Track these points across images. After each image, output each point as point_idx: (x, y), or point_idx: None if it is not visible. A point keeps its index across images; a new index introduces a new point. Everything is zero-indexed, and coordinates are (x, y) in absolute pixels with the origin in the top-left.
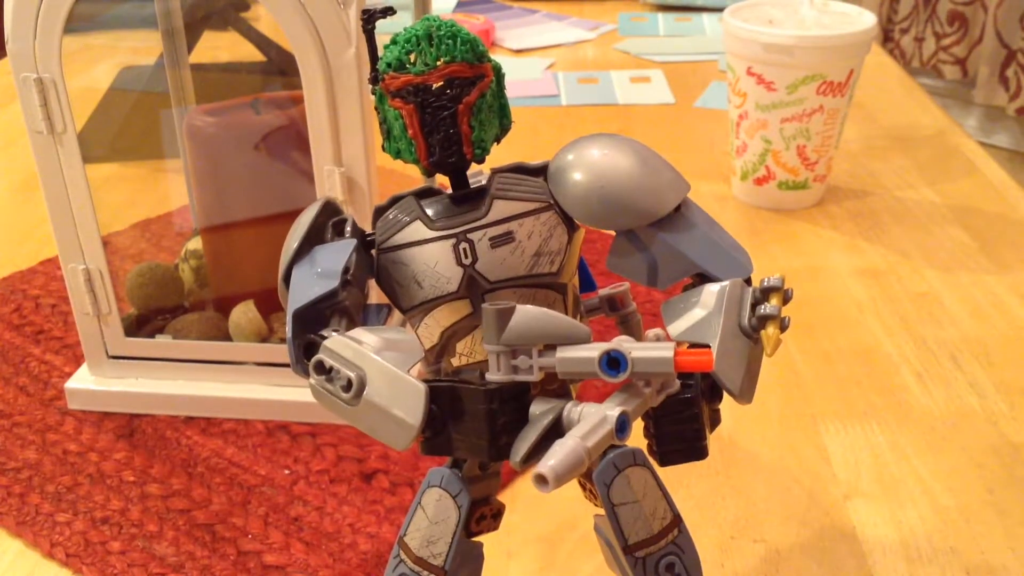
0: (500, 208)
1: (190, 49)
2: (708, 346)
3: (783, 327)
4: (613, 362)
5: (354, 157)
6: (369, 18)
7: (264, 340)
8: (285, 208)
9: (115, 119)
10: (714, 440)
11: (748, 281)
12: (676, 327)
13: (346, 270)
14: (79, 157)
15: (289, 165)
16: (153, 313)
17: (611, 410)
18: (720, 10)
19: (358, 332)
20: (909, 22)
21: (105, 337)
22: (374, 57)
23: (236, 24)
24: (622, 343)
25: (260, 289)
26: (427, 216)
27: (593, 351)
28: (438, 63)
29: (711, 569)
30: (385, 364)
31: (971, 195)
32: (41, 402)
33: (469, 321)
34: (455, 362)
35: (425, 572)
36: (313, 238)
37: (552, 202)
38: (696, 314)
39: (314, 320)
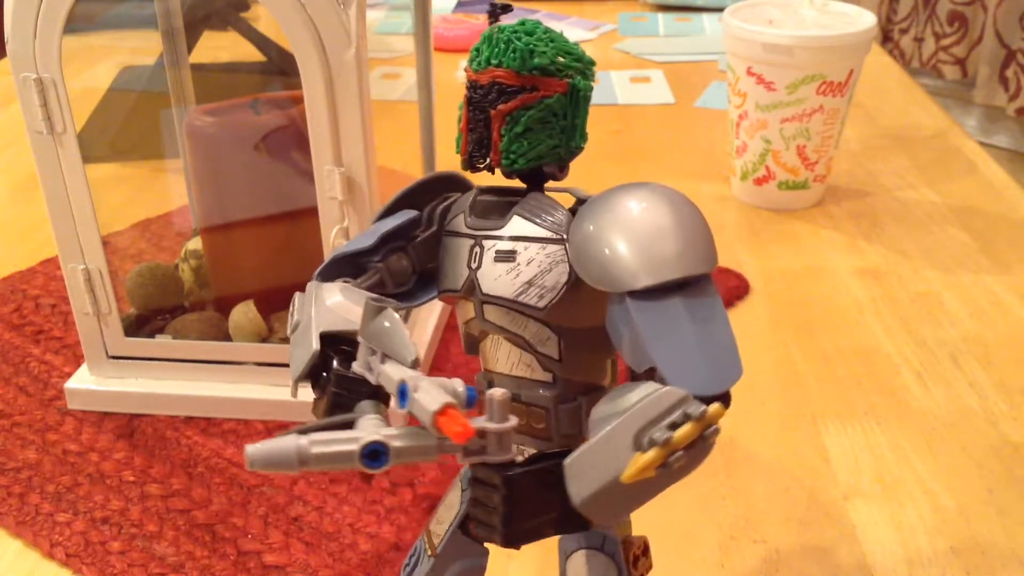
0: (516, 225)
1: (190, 49)
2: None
3: (667, 461)
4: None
5: (354, 157)
6: (492, 11)
7: (264, 340)
8: (285, 208)
9: (115, 119)
10: None
11: (708, 399)
12: (593, 415)
13: (387, 236)
14: (79, 157)
15: (289, 165)
16: (153, 313)
17: (372, 434)
18: (720, 10)
19: (335, 285)
20: (909, 22)
21: (105, 337)
22: None
23: (236, 24)
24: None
25: (260, 289)
26: (469, 212)
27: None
28: (489, 65)
29: (711, 569)
30: (312, 317)
31: (971, 195)
32: (41, 402)
33: (476, 324)
34: (481, 365)
35: (426, 544)
36: (409, 201)
37: (565, 238)
38: (607, 409)
39: (349, 268)
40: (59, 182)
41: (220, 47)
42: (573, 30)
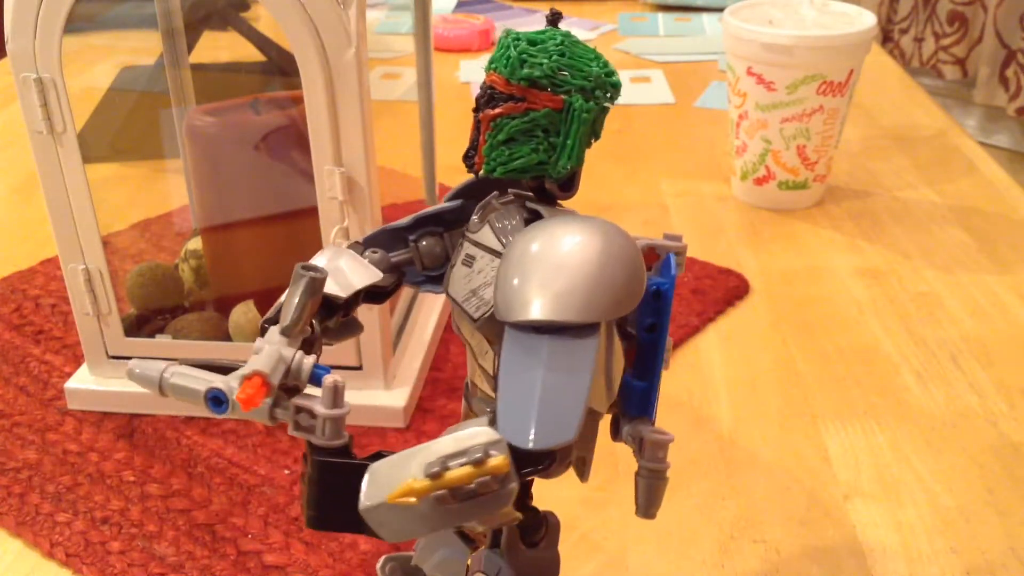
0: (484, 232)
1: (190, 49)
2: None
3: (436, 495)
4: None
5: (354, 157)
6: (553, 19)
7: None
8: (285, 208)
9: (115, 119)
10: (714, 440)
11: (521, 452)
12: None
13: (424, 218)
14: (79, 157)
15: (289, 165)
16: (153, 313)
17: (219, 381)
18: (720, 10)
19: (341, 248)
20: (909, 22)
21: (105, 337)
22: None
23: (236, 24)
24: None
25: (260, 289)
26: (476, 211)
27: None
28: (490, 67)
29: (711, 569)
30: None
31: (971, 195)
32: (41, 402)
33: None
34: None
35: None
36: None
37: None
38: (444, 435)
39: (389, 241)
40: (59, 182)
41: (220, 47)
42: (573, 30)
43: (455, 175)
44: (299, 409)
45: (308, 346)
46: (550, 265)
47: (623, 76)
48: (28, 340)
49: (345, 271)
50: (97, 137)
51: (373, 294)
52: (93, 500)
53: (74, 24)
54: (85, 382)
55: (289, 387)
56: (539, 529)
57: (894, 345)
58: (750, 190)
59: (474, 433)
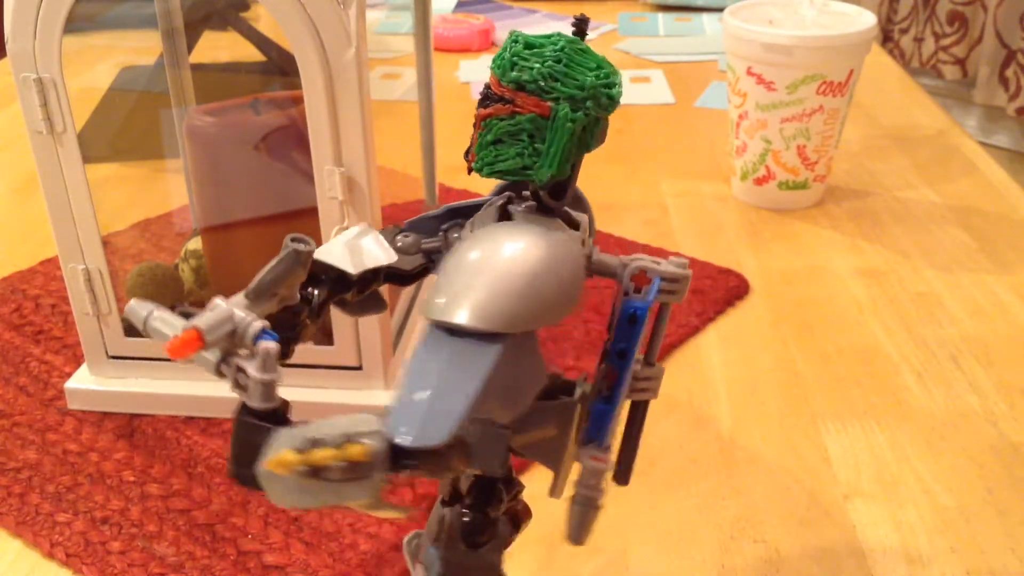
0: (465, 232)
1: (190, 49)
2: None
3: (298, 470)
4: None
5: (354, 157)
6: (578, 26)
7: None
8: (285, 208)
9: (115, 119)
10: (714, 440)
11: (392, 447)
12: None
13: (454, 210)
14: (79, 157)
15: (289, 165)
16: None
17: (182, 330)
18: (720, 10)
19: (369, 228)
20: (909, 22)
21: (105, 337)
22: None
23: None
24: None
25: None
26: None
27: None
28: (491, 67)
29: (711, 569)
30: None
31: (971, 195)
32: (41, 402)
33: None
34: None
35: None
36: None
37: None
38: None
39: (426, 227)
40: (59, 182)
41: (220, 47)
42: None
43: (455, 175)
44: (239, 368)
45: (293, 316)
46: (472, 271)
47: (623, 76)
48: (28, 340)
49: (362, 249)
50: (97, 137)
51: (397, 276)
52: (93, 500)
53: (74, 24)
54: (85, 382)
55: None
56: (484, 531)
57: (894, 345)
58: (750, 190)
59: (362, 419)
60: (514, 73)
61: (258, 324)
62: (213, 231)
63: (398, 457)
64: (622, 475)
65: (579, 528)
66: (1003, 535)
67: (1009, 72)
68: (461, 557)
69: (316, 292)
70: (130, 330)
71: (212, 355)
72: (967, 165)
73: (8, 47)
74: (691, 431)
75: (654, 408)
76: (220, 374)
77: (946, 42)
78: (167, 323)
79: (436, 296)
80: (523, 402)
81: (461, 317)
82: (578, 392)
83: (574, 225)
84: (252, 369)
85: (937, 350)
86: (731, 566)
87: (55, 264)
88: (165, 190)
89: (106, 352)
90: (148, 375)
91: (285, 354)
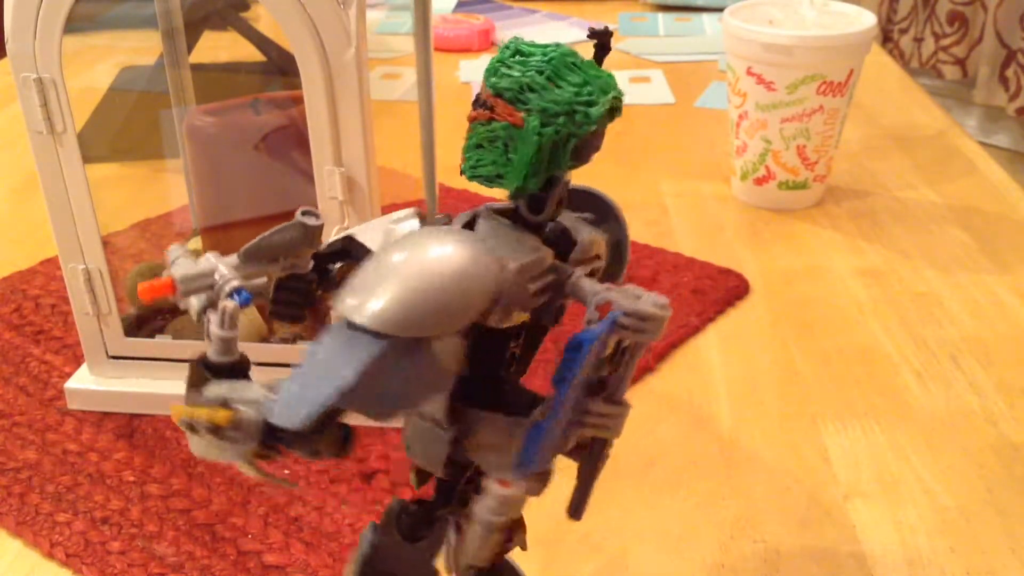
0: None
1: (190, 49)
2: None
3: (177, 416)
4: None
5: (354, 157)
6: (597, 39)
7: (264, 340)
8: (285, 208)
9: (115, 119)
10: (714, 440)
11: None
12: None
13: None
14: (79, 157)
15: (289, 165)
16: (153, 313)
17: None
18: (720, 10)
19: (407, 211)
20: (909, 22)
21: (105, 337)
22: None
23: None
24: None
25: None
26: None
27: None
28: None
29: (711, 569)
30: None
31: (971, 195)
32: (41, 402)
33: None
34: None
35: None
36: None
37: None
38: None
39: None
40: (59, 182)
41: (220, 47)
42: (573, 30)
43: (455, 175)
44: (209, 320)
45: (304, 284)
46: (371, 269)
47: (623, 76)
48: (28, 340)
49: (383, 232)
50: (97, 137)
51: None
52: (93, 500)
53: (74, 24)
54: (85, 382)
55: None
56: (426, 527)
57: (894, 345)
58: (750, 190)
59: (255, 389)
60: (494, 79)
61: (233, 284)
62: (213, 231)
63: (272, 431)
64: (572, 510)
65: (477, 551)
66: (1003, 535)
67: (1009, 72)
68: (391, 545)
69: (338, 267)
70: (130, 330)
71: (198, 302)
72: (967, 165)
73: (8, 47)
74: (691, 431)
75: (654, 408)
76: (200, 322)
77: (946, 42)
78: (180, 267)
79: (344, 288)
80: (403, 404)
81: (348, 310)
82: (534, 414)
83: (564, 242)
84: (213, 324)
85: (937, 350)
86: (731, 566)
87: (55, 264)
88: (165, 190)
89: (106, 352)
90: (148, 375)
91: (297, 318)
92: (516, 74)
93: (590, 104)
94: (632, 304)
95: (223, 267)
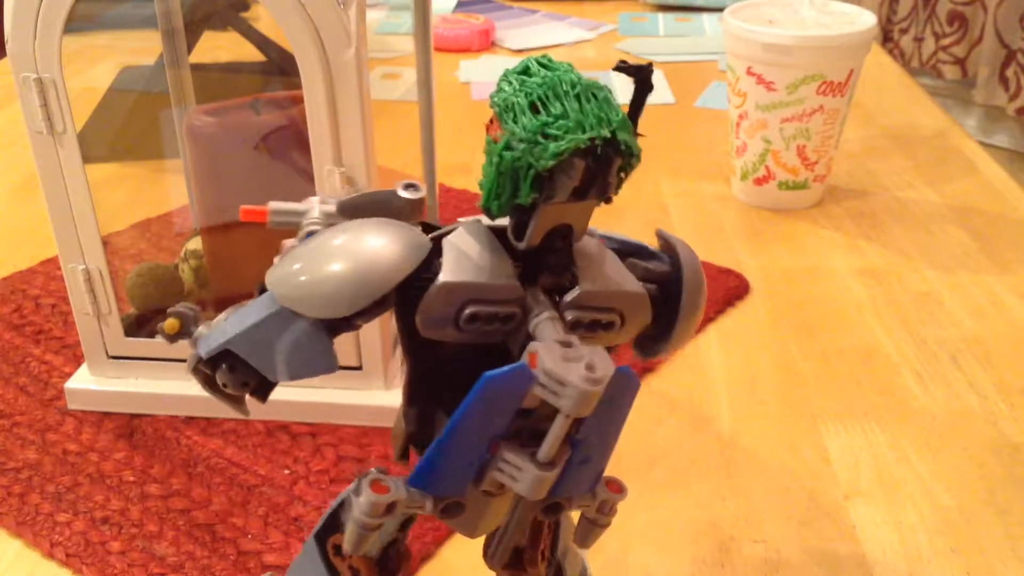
0: None
1: (190, 49)
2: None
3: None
4: None
5: (354, 157)
6: (636, 75)
7: None
8: None
9: (115, 119)
10: (714, 440)
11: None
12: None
13: None
14: (79, 157)
15: (289, 165)
16: (153, 313)
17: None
18: (720, 10)
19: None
20: (909, 22)
21: (105, 337)
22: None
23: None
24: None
25: None
26: None
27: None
28: None
29: (711, 569)
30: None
31: (971, 195)
32: (41, 402)
33: None
34: None
35: None
36: None
37: None
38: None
39: None
40: (59, 182)
41: (220, 47)
42: (573, 30)
43: (455, 175)
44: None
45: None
46: (306, 246)
47: (623, 76)
48: (28, 340)
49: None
50: (97, 137)
51: None
52: (93, 500)
53: (74, 24)
54: (85, 382)
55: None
56: (329, 529)
57: (894, 345)
58: (750, 190)
59: (214, 323)
60: (494, 92)
61: (312, 228)
62: (213, 231)
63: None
64: (487, 554)
65: (346, 542)
66: (1003, 535)
67: (1009, 72)
68: (309, 542)
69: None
70: (130, 330)
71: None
72: (967, 165)
73: (8, 47)
74: (691, 431)
75: (654, 408)
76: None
77: (946, 42)
78: (281, 203)
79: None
80: (280, 369)
81: (268, 272)
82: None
83: (562, 280)
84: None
85: (937, 350)
86: (731, 566)
87: (55, 264)
88: (165, 190)
89: (106, 352)
90: (148, 375)
91: None
92: (508, 91)
93: (554, 139)
94: (551, 364)
95: (317, 212)
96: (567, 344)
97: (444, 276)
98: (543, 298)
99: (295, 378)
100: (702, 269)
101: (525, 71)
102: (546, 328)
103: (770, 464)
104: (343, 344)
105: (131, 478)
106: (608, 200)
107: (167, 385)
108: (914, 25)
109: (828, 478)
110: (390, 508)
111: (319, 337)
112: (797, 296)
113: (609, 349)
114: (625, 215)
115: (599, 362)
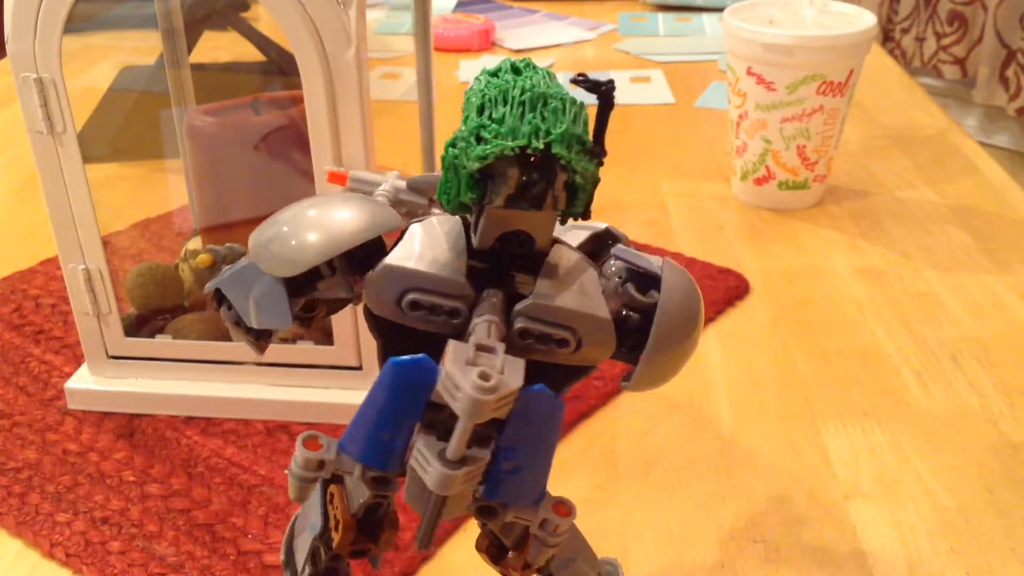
0: None
1: (190, 49)
2: None
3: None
4: None
5: (354, 157)
6: (593, 89)
7: None
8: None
9: (115, 119)
10: (714, 440)
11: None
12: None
13: None
14: (79, 157)
15: (289, 165)
16: (153, 313)
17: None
18: (720, 10)
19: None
20: (909, 22)
21: (105, 337)
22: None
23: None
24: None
25: None
26: None
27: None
28: None
29: (711, 569)
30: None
31: (971, 195)
32: (41, 402)
33: None
34: None
35: None
36: None
37: None
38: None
39: None
40: (59, 182)
41: (220, 47)
42: (573, 30)
43: None
44: None
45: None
46: (282, 211)
47: (623, 76)
48: (28, 340)
49: None
50: (97, 137)
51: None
52: (93, 500)
53: (74, 24)
54: (85, 382)
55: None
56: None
57: (894, 345)
58: (750, 190)
59: (239, 263)
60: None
61: (380, 200)
62: (213, 231)
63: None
64: (416, 539)
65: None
66: (1003, 535)
67: (1009, 72)
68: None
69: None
70: (130, 330)
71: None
72: (967, 165)
73: (8, 47)
74: (691, 431)
75: (654, 408)
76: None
77: (946, 42)
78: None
79: None
80: (251, 317)
81: (251, 238)
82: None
83: (512, 290)
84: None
85: (937, 350)
86: (731, 566)
87: (55, 264)
88: (165, 190)
89: (106, 352)
90: (148, 375)
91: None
92: (473, 90)
93: (484, 142)
94: (451, 365)
95: (387, 186)
96: (486, 349)
97: (388, 259)
98: (495, 301)
99: (262, 326)
100: (695, 307)
101: (496, 72)
102: (478, 330)
103: (770, 464)
104: (343, 344)
105: (131, 478)
106: (566, 216)
107: (167, 385)
108: (914, 25)
109: (828, 478)
110: (321, 465)
111: (278, 293)
112: (797, 296)
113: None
114: (625, 215)
115: (507, 375)
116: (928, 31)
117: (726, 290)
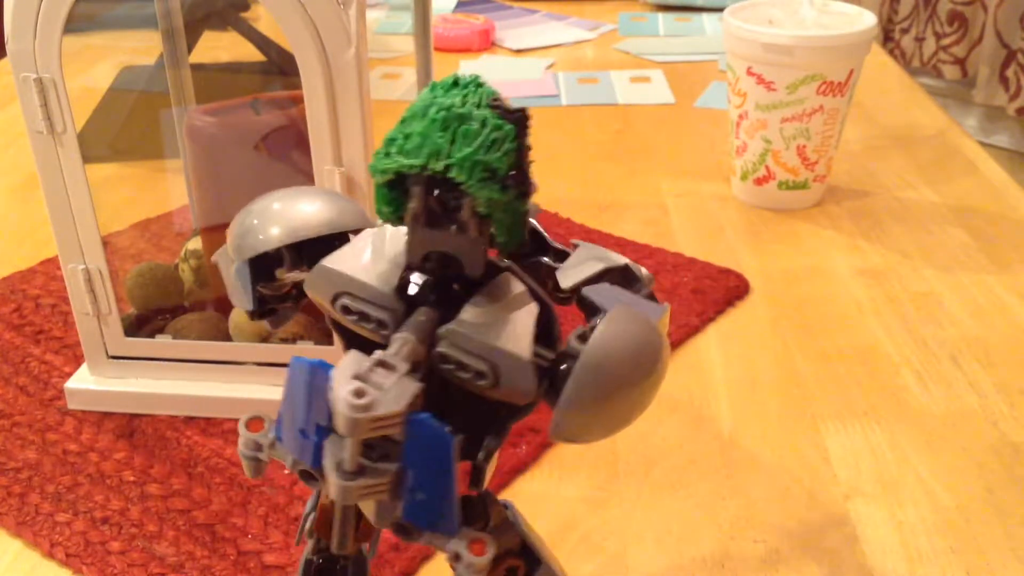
0: None
1: (190, 49)
2: None
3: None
4: None
5: (354, 157)
6: (509, 114)
7: (264, 340)
8: None
9: (115, 119)
10: (714, 440)
11: None
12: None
13: None
14: (79, 157)
15: (289, 165)
16: (153, 313)
17: None
18: (720, 10)
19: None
20: (909, 22)
21: (105, 337)
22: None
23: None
24: None
25: None
26: None
27: None
28: None
29: (711, 569)
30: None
31: (971, 195)
32: (41, 402)
33: None
34: None
35: None
36: None
37: None
38: None
39: None
40: (59, 182)
41: (220, 47)
42: (573, 30)
43: None
44: None
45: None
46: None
47: (623, 76)
48: (28, 340)
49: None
50: (97, 137)
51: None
52: (93, 500)
53: (74, 24)
54: (85, 382)
55: None
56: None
57: (894, 345)
58: (750, 190)
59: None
60: None
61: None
62: (213, 231)
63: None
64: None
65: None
66: (1003, 535)
67: (1009, 72)
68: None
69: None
70: (130, 330)
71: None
72: (967, 165)
73: (8, 47)
74: (691, 431)
75: (654, 408)
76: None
77: (946, 42)
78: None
79: None
80: (228, 293)
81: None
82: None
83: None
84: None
85: (937, 350)
86: (731, 566)
87: (55, 264)
88: (165, 190)
89: (106, 352)
90: (148, 375)
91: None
92: (416, 99)
93: (384, 155)
94: (336, 374)
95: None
96: (384, 365)
97: (326, 259)
98: (423, 320)
99: (234, 304)
100: (637, 362)
101: (436, 86)
102: (391, 345)
103: (770, 464)
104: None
105: (131, 478)
106: (499, 247)
107: (167, 385)
108: (914, 25)
109: (828, 478)
110: (259, 446)
111: (241, 276)
112: (797, 296)
113: None
114: (625, 215)
115: (390, 396)
116: (928, 31)
117: (726, 290)
